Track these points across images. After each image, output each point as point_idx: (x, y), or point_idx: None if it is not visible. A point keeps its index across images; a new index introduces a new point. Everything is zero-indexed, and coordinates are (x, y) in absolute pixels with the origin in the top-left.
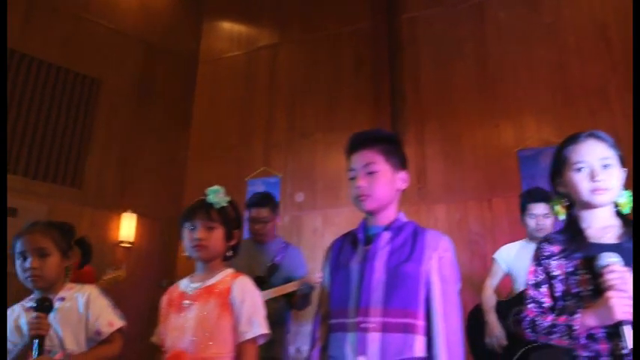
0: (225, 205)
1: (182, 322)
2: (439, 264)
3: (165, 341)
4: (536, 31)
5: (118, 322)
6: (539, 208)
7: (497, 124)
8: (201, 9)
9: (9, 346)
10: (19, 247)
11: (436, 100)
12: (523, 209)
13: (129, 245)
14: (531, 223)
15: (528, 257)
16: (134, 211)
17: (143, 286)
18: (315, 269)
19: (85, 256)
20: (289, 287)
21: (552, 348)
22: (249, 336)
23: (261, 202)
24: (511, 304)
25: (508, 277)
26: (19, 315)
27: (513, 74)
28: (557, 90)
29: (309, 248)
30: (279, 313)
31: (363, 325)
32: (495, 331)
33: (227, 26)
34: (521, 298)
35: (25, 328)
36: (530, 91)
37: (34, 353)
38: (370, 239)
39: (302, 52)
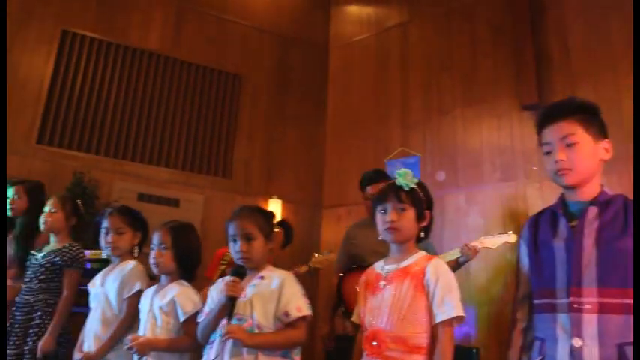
0: (414, 186)
1: (379, 302)
2: None
3: (364, 320)
4: None
5: (306, 310)
6: None
7: None
8: None
9: (212, 305)
10: (230, 230)
11: (588, 62)
12: None
13: (276, 230)
14: None
15: None
16: (279, 198)
17: (289, 270)
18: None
19: (287, 237)
20: (453, 254)
21: None
22: (442, 317)
23: (375, 177)
24: None
25: None
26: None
27: None
28: None
29: (453, 229)
30: None
31: (576, 306)
32: None
33: (355, 10)
34: None
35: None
36: None
37: (227, 311)
38: (573, 215)
39: (434, 26)
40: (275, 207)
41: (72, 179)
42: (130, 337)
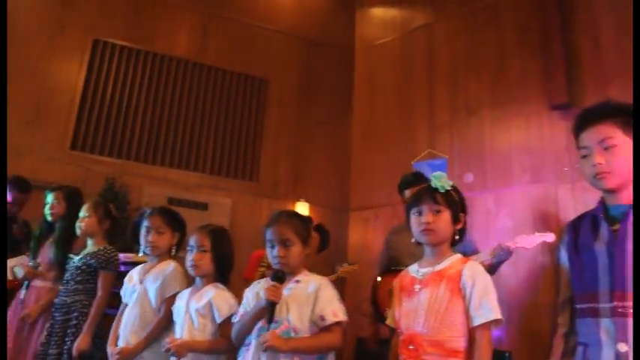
0: (449, 188)
1: (414, 306)
2: None
3: (399, 324)
4: None
5: (342, 316)
6: None
7: None
8: None
9: (247, 307)
10: (268, 235)
11: (620, 59)
12: None
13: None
14: None
15: None
16: (306, 200)
17: (317, 272)
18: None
19: (323, 242)
20: (487, 254)
21: None
22: (480, 321)
23: (414, 180)
24: None
25: None
26: (262, 285)
27: None
28: None
29: (482, 231)
30: None
31: (621, 310)
32: None
33: (379, 12)
34: None
35: (261, 294)
36: None
37: (268, 316)
38: (614, 219)
39: (460, 26)
40: (302, 210)
41: (104, 184)
42: (167, 339)
